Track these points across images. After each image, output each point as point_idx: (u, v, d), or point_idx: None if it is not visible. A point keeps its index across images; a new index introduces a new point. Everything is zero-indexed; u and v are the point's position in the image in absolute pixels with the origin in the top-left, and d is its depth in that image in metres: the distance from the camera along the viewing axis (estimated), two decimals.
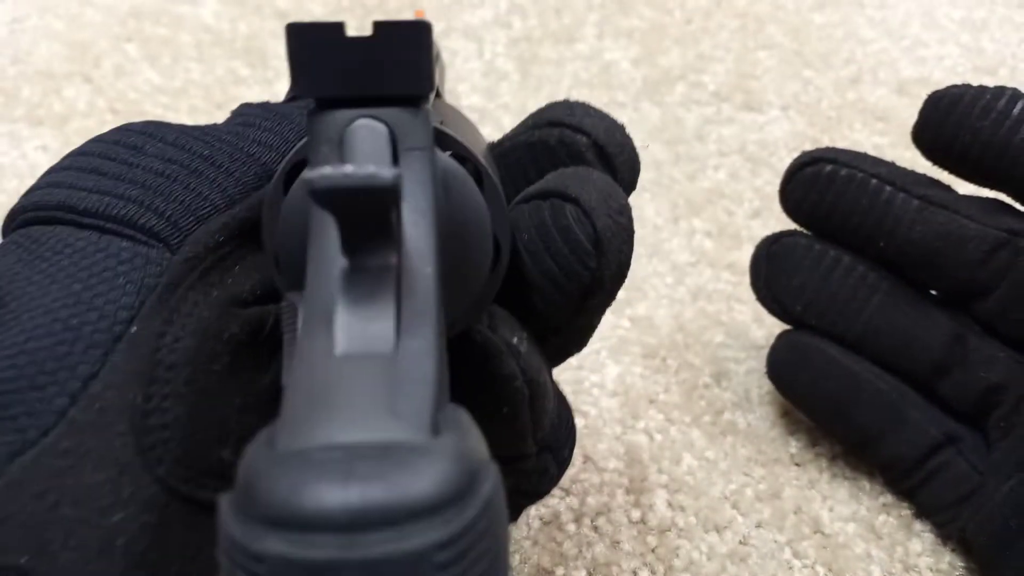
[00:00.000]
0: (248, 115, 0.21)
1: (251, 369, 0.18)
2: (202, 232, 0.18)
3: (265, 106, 0.22)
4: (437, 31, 0.54)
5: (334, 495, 0.10)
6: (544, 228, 0.19)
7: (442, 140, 0.18)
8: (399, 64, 0.16)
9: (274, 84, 0.50)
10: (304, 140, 0.18)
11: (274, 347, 0.18)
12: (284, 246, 0.18)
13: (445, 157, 0.18)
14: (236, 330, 0.18)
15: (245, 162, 0.20)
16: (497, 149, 0.23)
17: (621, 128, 0.22)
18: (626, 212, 0.20)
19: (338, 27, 0.16)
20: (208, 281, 0.18)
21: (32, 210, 0.19)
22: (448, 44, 0.54)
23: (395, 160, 0.16)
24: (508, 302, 0.20)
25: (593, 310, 0.21)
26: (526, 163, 0.22)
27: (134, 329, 0.17)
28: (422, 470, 0.11)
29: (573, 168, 0.21)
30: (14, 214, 0.19)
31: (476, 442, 0.12)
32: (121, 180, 0.19)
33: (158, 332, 0.17)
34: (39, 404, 0.16)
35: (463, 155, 0.18)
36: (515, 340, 0.19)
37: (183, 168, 0.19)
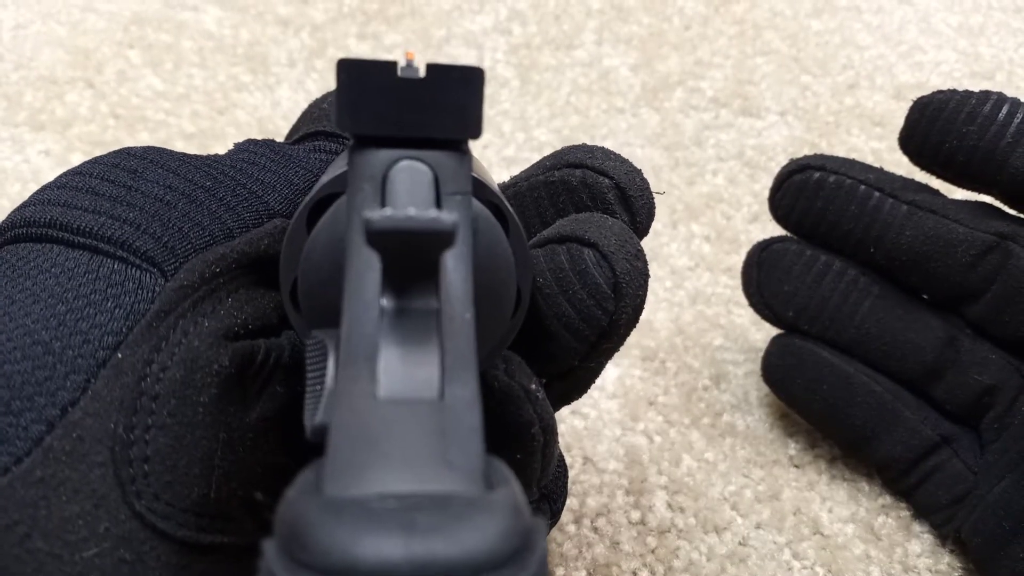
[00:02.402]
0: (253, 152, 0.21)
1: (238, 403, 0.17)
2: (198, 261, 0.18)
3: (270, 145, 0.21)
4: (437, 38, 0.55)
5: (396, 548, 0.10)
6: (561, 272, 0.19)
7: (474, 185, 0.18)
8: (449, 107, 0.16)
9: (275, 90, 0.50)
10: (327, 177, 0.18)
11: (263, 382, 0.18)
12: (307, 283, 0.18)
13: (476, 202, 0.17)
14: (226, 362, 0.17)
15: (247, 198, 0.19)
16: (512, 189, 0.23)
17: (639, 173, 0.22)
18: (642, 257, 0.20)
19: (390, 66, 0.15)
20: (200, 311, 0.17)
21: (22, 226, 0.18)
22: (448, 51, 0.54)
23: (438, 204, 0.16)
24: (519, 347, 0.20)
25: (603, 355, 0.20)
26: (544, 203, 0.22)
27: (120, 355, 0.16)
28: (483, 525, 0.11)
29: (587, 214, 0.21)
30: (2, 230, 0.18)
31: (524, 496, 0.12)
32: (118, 202, 0.18)
33: (145, 360, 0.16)
34: (13, 430, 0.15)
35: (491, 200, 0.18)
36: (533, 386, 0.19)
37: (183, 196, 0.18)
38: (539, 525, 0.11)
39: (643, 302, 0.20)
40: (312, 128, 0.23)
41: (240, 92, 0.50)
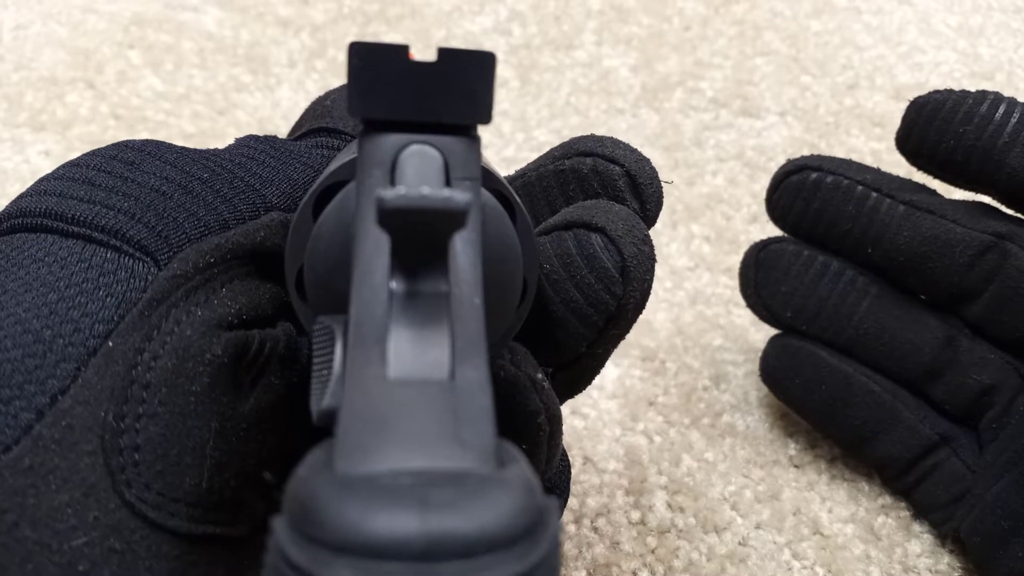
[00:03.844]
0: (252, 147, 0.21)
1: (231, 393, 0.17)
2: (192, 251, 0.18)
3: (270, 141, 0.21)
4: (437, 38, 0.55)
5: (409, 523, 0.10)
6: (569, 258, 0.19)
7: (482, 173, 0.18)
8: (460, 92, 0.16)
9: (276, 91, 0.50)
10: (334, 166, 0.17)
11: (258, 373, 0.18)
12: (313, 270, 0.18)
13: (484, 191, 0.17)
14: (219, 351, 0.17)
15: (244, 191, 0.19)
16: (521, 180, 0.23)
17: (649, 162, 0.22)
18: (649, 242, 0.20)
19: (402, 50, 0.15)
20: (193, 300, 0.17)
21: (18, 216, 0.18)
22: None
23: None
24: (524, 339, 0.20)
25: (610, 341, 0.20)
26: (554, 192, 0.22)
27: (111, 344, 0.16)
28: (498, 501, 0.10)
29: (593, 200, 0.21)
30: None
31: (535, 475, 0.12)
32: (114, 192, 0.18)
33: (136, 348, 0.16)
34: (2, 419, 0.15)
35: (498, 189, 0.18)
36: (539, 376, 0.19)
37: (179, 187, 0.18)
38: (552, 504, 0.11)
39: (650, 287, 0.20)
40: (314, 124, 0.23)
41: (240, 93, 0.50)
